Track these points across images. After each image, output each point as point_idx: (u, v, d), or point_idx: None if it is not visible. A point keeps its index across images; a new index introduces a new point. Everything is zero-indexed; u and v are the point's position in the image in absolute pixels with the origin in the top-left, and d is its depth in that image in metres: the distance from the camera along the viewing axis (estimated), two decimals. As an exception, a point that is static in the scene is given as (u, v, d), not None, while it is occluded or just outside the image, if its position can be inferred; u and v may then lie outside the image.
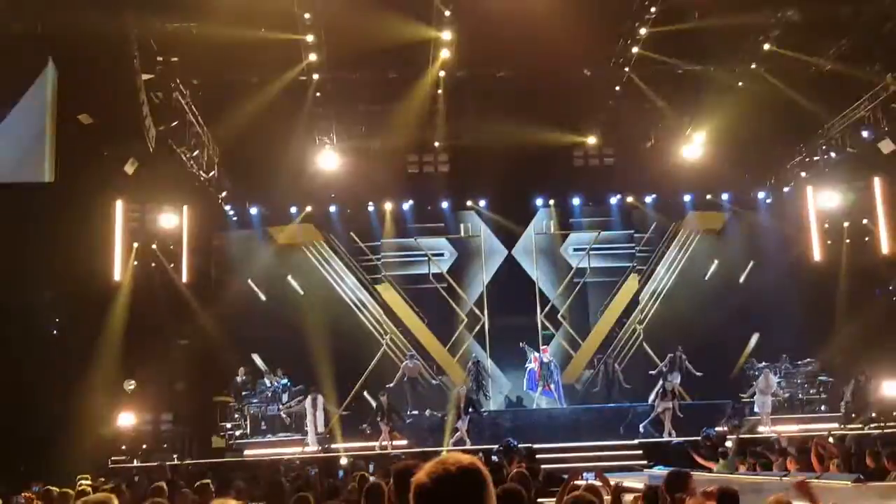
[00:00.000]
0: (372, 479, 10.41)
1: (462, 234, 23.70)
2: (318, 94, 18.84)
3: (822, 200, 22.54)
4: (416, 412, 20.67)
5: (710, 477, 13.46)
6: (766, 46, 17.89)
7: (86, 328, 18.45)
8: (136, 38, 15.62)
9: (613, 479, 8.92)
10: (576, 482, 8.52)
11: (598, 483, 7.68)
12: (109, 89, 16.36)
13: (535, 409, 21.40)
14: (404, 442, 19.09)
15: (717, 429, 17.83)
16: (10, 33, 15.42)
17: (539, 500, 8.28)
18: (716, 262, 23.64)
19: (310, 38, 16.72)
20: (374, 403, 20.24)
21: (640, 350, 23.00)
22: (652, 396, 19.99)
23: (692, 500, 6.08)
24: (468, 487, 2.22)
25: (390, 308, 23.23)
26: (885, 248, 21.55)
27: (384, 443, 18.95)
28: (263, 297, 22.64)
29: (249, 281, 22.65)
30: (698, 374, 20.70)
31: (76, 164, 16.93)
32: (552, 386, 21.18)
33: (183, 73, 17.55)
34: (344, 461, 16.75)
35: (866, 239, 22.05)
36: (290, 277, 23.02)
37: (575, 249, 23.84)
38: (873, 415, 19.60)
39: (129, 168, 17.76)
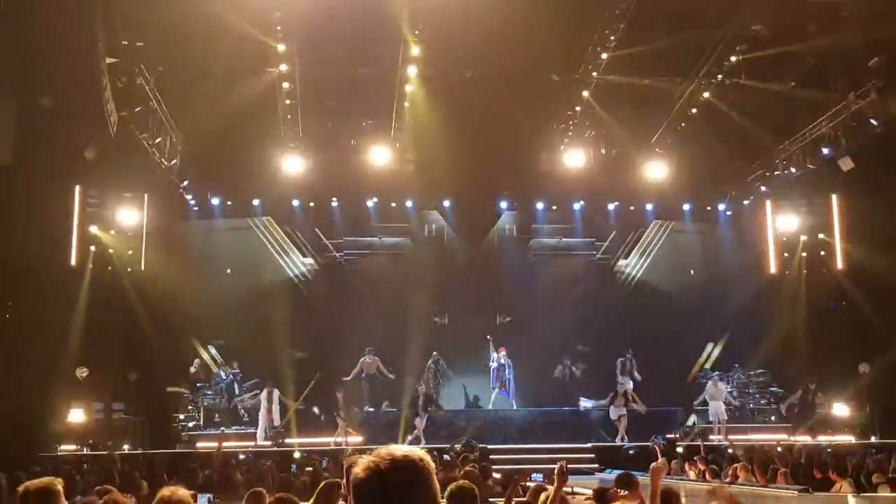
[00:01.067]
0: (326, 474, 10.41)
1: (426, 233, 23.68)
2: (285, 85, 18.67)
3: (780, 214, 22.95)
4: (371, 409, 20.66)
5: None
6: (733, 59, 18.07)
7: (39, 314, 18.13)
8: (101, 20, 15.36)
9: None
10: (524, 483, 8.59)
11: (547, 485, 7.71)
12: (71, 71, 16.10)
13: (490, 409, 21.46)
14: (360, 438, 19.02)
15: (667, 436, 18.09)
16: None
17: (490, 499, 8.30)
18: (674, 271, 23.87)
19: (278, 29, 16.60)
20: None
21: (597, 354, 23.11)
22: (606, 401, 20.18)
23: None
24: (402, 480, 2.16)
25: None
26: (839, 264, 21.98)
27: (339, 439, 18.88)
28: (223, 290, 22.37)
29: (209, 272, 22.40)
30: (638, 377, 20.88)
31: (34, 148, 16.68)
32: (507, 386, 21.32)
33: (148, 59, 17.29)
34: (297, 455, 16.66)
35: (822, 253, 22.45)
36: (248, 270, 22.80)
37: (536, 254, 23.92)
38: (811, 424, 20.05)
39: (89, 154, 17.50)
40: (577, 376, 21.97)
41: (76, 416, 18.43)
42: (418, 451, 2.22)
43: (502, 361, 21.37)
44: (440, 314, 23.02)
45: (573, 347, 22.42)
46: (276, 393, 19.78)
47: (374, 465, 2.17)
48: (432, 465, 2.23)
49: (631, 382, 20.40)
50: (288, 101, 19.25)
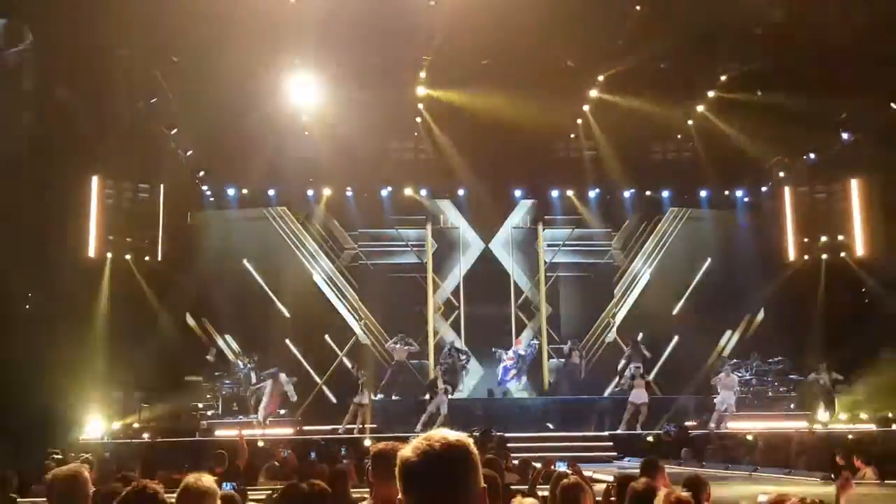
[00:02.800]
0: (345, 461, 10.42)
1: (441, 224, 23.64)
2: (300, 75, 18.66)
3: (799, 200, 22.79)
4: (398, 397, 20.67)
5: (680, 469, 13.57)
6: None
7: (58, 304, 18.23)
8: (116, 12, 15.38)
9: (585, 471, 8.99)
10: (549, 470, 8.57)
11: (570, 472, 7.70)
12: (88, 64, 16.16)
13: (507, 398, 21.45)
14: (373, 426, 18.93)
15: (680, 425, 18.04)
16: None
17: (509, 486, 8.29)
18: (692, 258, 23.74)
19: (293, 20, 16.57)
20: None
21: (613, 343, 23.07)
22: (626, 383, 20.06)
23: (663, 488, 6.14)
24: (455, 464, 2.17)
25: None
26: (859, 250, 21.80)
27: (350, 426, 18.72)
28: (239, 280, 22.45)
29: (225, 262, 22.48)
30: (648, 355, 20.91)
31: (51, 140, 16.74)
32: (524, 378, 21.39)
33: (163, 51, 17.31)
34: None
35: (840, 238, 22.27)
36: (265, 259, 22.85)
37: (549, 245, 23.82)
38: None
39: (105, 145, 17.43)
40: (576, 363, 21.92)
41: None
42: (467, 437, 2.24)
43: (521, 353, 21.38)
44: (455, 303, 23.03)
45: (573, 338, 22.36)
46: (282, 377, 19.48)
47: (428, 447, 2.18)
48: (477, 451, 2.23)
49: (641, 367, 20.25)
50: (304, 92, 19.22)
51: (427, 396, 19.33)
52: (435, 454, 2.17)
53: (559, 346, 22.75)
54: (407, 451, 2.20)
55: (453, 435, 2.23)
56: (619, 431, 18.92)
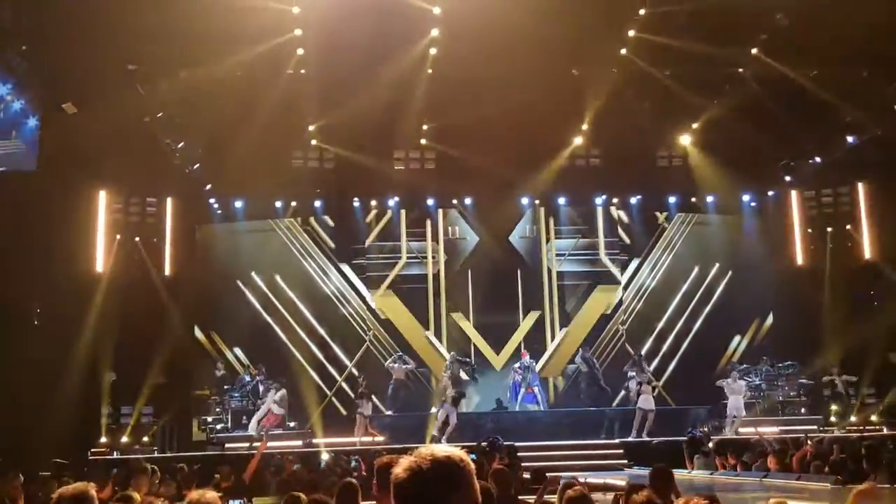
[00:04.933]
0: (356, 474, 10.40)
1: (448, 235, 23.61)
2: (305, 86, 18.70)
3: (807, 204, 22.74)
4: (394, 413, 20.66)
5: (691, 476, 13.54)
6: (754, 51, 17.91)
7: (66, 319, 18.29)
8: (124, 27, 15.47)
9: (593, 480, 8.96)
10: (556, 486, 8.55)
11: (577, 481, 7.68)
12: (95, 78, 16.25)
13: (517, 411, 21.32)
14: (381, 438, 18.95)
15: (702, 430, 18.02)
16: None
17: (520, 497, 8.27)
18: (699, 264, 23.68)
19: (297, 32, 16.64)
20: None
21: (621, 349, 23.02)
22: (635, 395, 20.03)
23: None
24: (442, 481, 2.14)
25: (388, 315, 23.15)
26: (867, 254, 21.72)
27: (363, 438, 18.82)
28: (247, 293, 22.50)
29: (233, 274, 22.53)
30: (649, 370, 20.94)
31: (60, 154, 16.82)
32: (535, 389, 21.23)
33: (170, 65, 17.39)
34: (325, 456, 16.66)
35: (849, 244, 22.20)
36: (271, 272, 22.88)
37: (557, 254, 23.77)
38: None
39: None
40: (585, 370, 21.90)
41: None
42: (459, 452, 2.20)
43: (525, 364, 21.34)
44: (464, 313, 23.02)
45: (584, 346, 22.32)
46: (272, 392, 19.72)
47: (416, 465, 2.15)
48: (472, 465, 2.21)
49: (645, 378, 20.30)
50: (307, 102, 19.29)
51: (433, 410, 19.37)
52: (422, 471, 2.14)
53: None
54: (398, 467, 2.18)
55: (443, 451, 2.19)
56: (630, 439, 18.92)
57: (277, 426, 19.80)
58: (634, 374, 20.41)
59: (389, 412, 20.70)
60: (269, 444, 18.11)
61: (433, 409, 19.57)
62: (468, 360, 21.82)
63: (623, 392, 20.97)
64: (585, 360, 21.86)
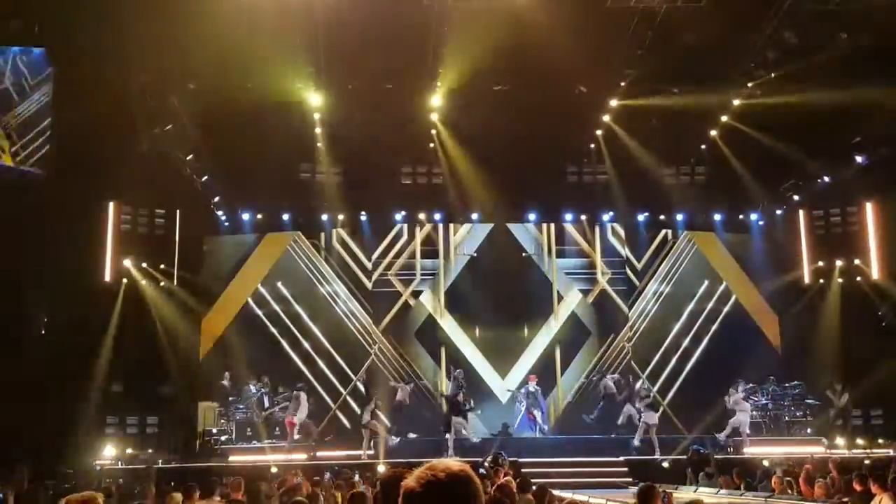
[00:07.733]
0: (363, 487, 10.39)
1: (456, 251, 23.57)
2: (315, 101, 18.78)
3: (814, 223, 22.74)
4: (396, 437, 20.49)
5: (698, 495, 13.45)
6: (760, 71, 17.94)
7: (74, 328, 18.34)
8: (133, 40, 15.58)
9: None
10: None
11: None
12: (105, 90, 16.35)
13: (522, 437, 21.04)
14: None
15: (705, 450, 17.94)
16: (9, 32, 15.42)
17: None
18: (706, 282, 23.61)
19: (307, 50, 16.71)
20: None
21: (627, 367, 22.94)
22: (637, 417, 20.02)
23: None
24: (457, 494, 2.18)
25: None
26: (875, 274, 21.67)
27: (369, 451, 18.85)
28: (254, 305, 22.54)
29: (240, 287, 22.59)
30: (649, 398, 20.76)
31: (69, 165, 16.92)
32: (536, 414, 21.02)
33: (179, 78, 17.50)
34: (328, 473, 16.62)
35: (856, 262, 22.15)
36: (279, 284, 22.91)
37: (563, 270, 23.74)
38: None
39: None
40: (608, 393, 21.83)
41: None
42: (468, 468, 2.24)
43: (531, 389, 21.21)
44: (471, 328, 23.00)
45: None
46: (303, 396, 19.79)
47: (432, 477, 2.18)
48: (479, 482, 2.25)
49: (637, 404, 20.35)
50: (318, 116, 19.40)
51: (442, 429, 19.37)
52: (437, 484, 2.17)
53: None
54: (410, 480, 2.21)
55: (456, 465, 2.23)
56: (635, 443, 19.16)
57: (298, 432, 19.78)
58: (631, 403, 20.49)
59: (394, 437, 20.50)
60: (273, 457, 18.22)
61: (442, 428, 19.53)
62: (466, 405, 21.17)
63: (622, 420, 20.83)
64: (616, 382, 21.78)
